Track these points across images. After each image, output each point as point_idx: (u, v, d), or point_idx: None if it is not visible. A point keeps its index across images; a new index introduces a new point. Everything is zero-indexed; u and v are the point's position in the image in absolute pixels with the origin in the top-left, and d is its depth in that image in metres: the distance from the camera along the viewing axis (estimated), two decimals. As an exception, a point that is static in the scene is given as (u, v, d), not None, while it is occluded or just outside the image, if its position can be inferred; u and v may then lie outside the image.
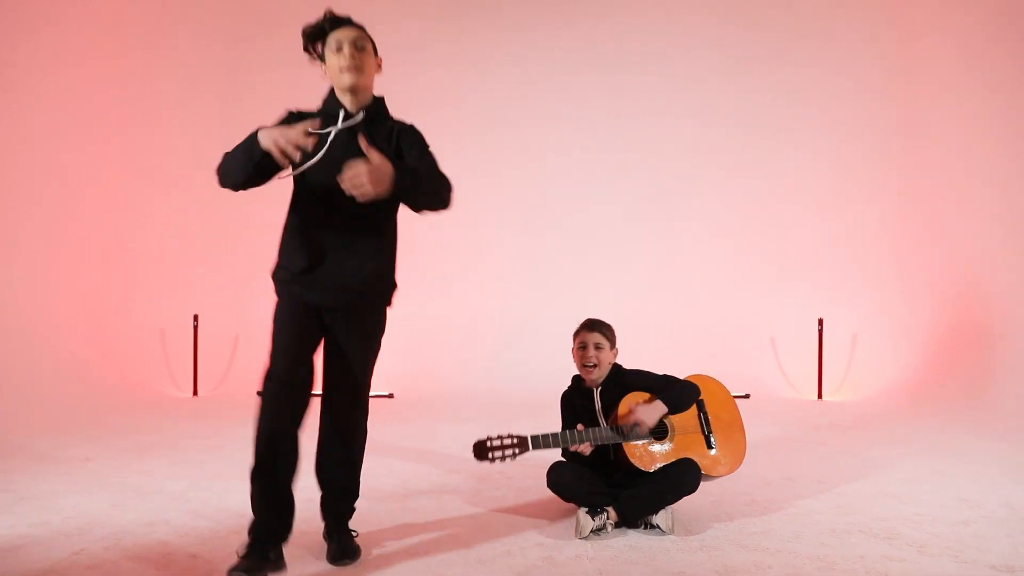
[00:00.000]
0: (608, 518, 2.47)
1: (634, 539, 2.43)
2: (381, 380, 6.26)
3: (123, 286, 6.35)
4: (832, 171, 6.74)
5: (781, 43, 6.78)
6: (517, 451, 2.41)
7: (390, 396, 6.27)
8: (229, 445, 4.05)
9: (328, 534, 2.26)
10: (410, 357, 6.45)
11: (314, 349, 2.13)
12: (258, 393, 2.12)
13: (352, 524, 2.30)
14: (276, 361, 2.06)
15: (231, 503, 2.85)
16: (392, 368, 6.40)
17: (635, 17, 6.96)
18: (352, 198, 1.87)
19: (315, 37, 2.11)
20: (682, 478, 2.50)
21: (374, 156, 1.85)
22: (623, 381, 2.69)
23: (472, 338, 6.75)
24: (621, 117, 6.92)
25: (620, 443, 2.54)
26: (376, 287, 2.17)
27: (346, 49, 2.04)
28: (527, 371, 6.35)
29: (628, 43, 6.95)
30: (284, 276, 2.12)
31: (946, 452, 3.89)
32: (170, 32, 6.62)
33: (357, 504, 2.30)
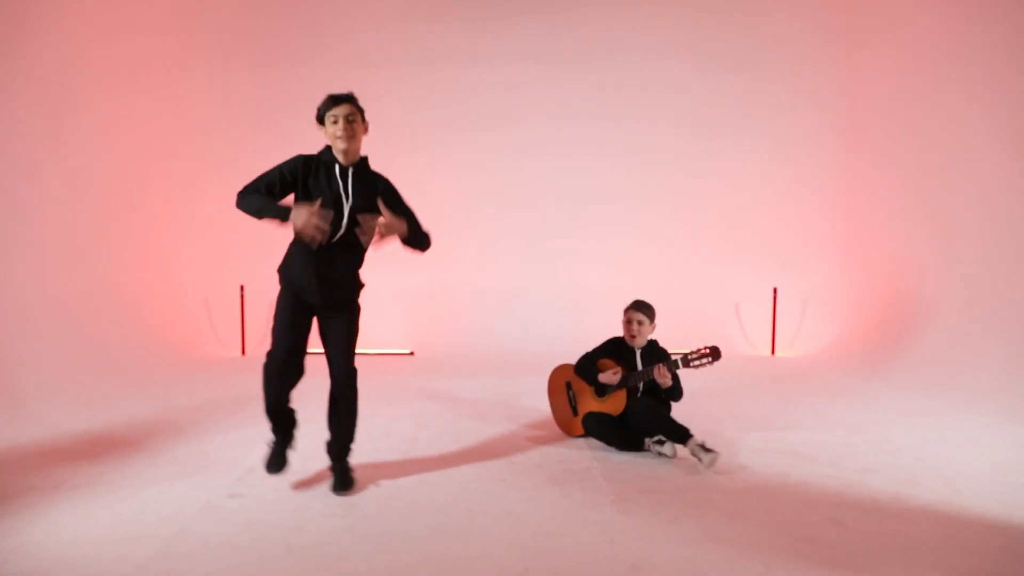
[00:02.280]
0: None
1: (627, 458, 3.57)
2: (402, 339, 7.44)
3: (171, 258, 7.33)
4: (788, 162, 7.83)
5: (748, 49, 7.78)
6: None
7: (411, 354, 7.37)
8: (311, 392, 5.11)
9: (331, 469, 3.12)
10: (427, 320, 7.57)
11: (307, 336, 2.99)
12: (265, 365, 2.97)
13: (425, 450, 3.34)
14: (277, 345, 2.92)
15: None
16: (412, 329, 7.57)
17: (615, 27, 7.89)
18: (344, 231, 2.84)
19: (322, 114, 2.88)
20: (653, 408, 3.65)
21: (395, 220, 2.84)
22: (656, 350, 3.83)
23: (481, 303, 7.82)
24: (606, 114, 7.89)
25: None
26: (354, 289, 3.04)
27: (340, 124, 2.81)
28: (529, 332, 7.50)
29: (609, 49, 7.89)
30: (288, 281, 2.94)
31: (858, 398, 5.10)
32: (206, 17, 7.47)
33: (378, 443, 3.22)
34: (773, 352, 7.52)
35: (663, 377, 3.57)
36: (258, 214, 2.75)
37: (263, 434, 3.93)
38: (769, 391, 5.41)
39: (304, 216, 2.67)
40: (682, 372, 3.66)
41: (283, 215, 2.73)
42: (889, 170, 7.24)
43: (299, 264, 2.89)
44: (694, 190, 7.97)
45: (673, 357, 3.62)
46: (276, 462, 3.08)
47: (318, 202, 2.75)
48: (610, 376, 3.71)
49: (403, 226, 2.89)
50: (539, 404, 4.91)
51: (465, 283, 7.85)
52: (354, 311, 3.05)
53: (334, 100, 2.85)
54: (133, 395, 5.05)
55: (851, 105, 7.62)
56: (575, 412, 3.96)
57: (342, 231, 2.87)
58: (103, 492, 3.00)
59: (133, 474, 3.26)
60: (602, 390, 3.83)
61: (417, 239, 3.04)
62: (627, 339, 3.83)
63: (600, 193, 7.92)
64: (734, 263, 7.85)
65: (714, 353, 3.56)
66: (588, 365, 3.86)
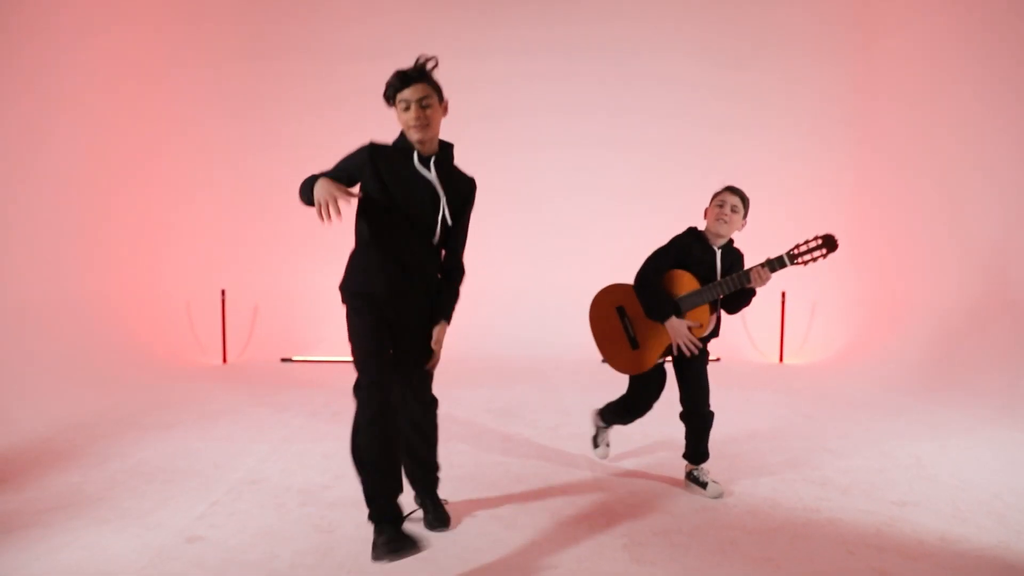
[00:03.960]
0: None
1: (635, 487, 3.21)
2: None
3: (152, 262, 6.94)
4: (799, 159, 7.48)
5: (759, 42, 7.42)
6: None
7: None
8: (294, 407, 4.76)
9: (421, 503, 2.73)
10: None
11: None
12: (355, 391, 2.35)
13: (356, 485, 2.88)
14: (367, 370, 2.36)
15: (318, 458, 3.57)
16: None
17: (621, 18, 7.52)
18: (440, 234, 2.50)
19: (391, 96, 2.38)
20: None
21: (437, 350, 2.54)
22: (734, 256, 3.12)
23: (480, 306, 7.39)
24: (612, 108, 7.54)
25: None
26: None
27: (412, 110, 2.32)
28: (530, 338, 7.16)
29: (616, 42, 7.53)
30: (366, 293, 2.41)
31: (881, 413, 4.75)
32: (188, 6, 7.07)
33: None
34: (781, 359, 7.17)
35: (763, 282, 2.87)
36: (306, 201, 2.31)
37: (233, 459, 3.57)
38: (784, 404, 5.06)
39: (325, 188, 2.18)
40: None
41: (311, 192, 2.26)
42: (904, 168, 6.89)
43: (377, 266, 2.42)
44: (703, 188, 7.51)
45: (777, 255, 2.91)
46: (402, 543, 2.19)
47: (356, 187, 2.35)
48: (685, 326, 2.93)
49: (441, 343, 2.59)
50: (540, 418, 4.57)
51: (464, 286, 7.47)
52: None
53: (403, 79, 2.34)
54: (99, 409, 4.66)
55: (865, 101, 7.26)
56: (635, 344, 3.12)
57: (437, 236, 2.50)
58: (39, 537, 2.61)
59: (79, 510, 2.88)
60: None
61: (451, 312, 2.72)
62: (711, 228, 3.04)
63: (606, 191, 7.56)
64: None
65: (828, 243, 2.83)
66: (655, 285, 2.98)
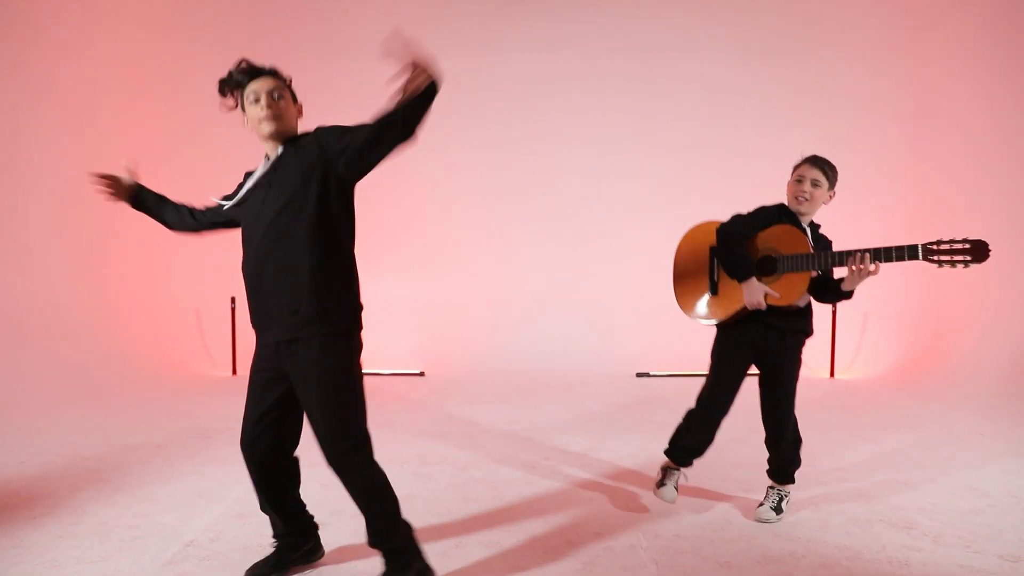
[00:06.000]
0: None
1: (681, 528, 2.72)
2: (412, 357, 6.64)
3: (161, 268, 6.61)
4: (848, 158, 6.89)
5: (796, 37, 6.88)
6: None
7: (421, 374, 6.57)
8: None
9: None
10: (440, 336, 6.77)
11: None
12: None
13: (422, 514, 2.52)
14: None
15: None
16: (423, 346, 6.76)
17: (646, 13, 7.03)
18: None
19: (233, 87, 2.13)
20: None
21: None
22: (823, 244, 2.75)
23: (501, 317, 6.98)
24: (638, 109, 7.01)
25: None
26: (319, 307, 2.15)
27: (263, 100, 2.08)
28: (554, 350, 6.68)
29: (641, 38, 7.02)
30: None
31: (952, 437, 4.18)
32: (196, 6, 6.76)
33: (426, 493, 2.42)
34: (832, 374, 6.59)
35: (864, 271, 2.46)
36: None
37: (219, 487, 3.16)
38: (844, 426, 4.51)
39: None
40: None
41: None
42: (964, 168, 6.30)
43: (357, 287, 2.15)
44: (735, 193, 7.02)
45: (910, 243, 2.45)
46: None
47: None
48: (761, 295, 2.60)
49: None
50: (566, 440, 4.09)
51: (482, 295, 7.02)
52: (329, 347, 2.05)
53: (253, 71, 2.13)
54: (88, 426, 4.30)
55: (916, 97, 6.68)
56: (716, 289, 2.82)
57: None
58: (15, 560, 2.22)
59: (39, 549, 2.48)
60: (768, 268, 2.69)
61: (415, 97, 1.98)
62: (791, 207, 2.72)
63: (632, 196, 7.04)
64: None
65: (978, 250, 2.37)
66: (739, 243, 2.68)
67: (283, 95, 2.12)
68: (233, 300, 6.70)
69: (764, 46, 6.91)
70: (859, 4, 6.81)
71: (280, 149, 2.12)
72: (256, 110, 2.09)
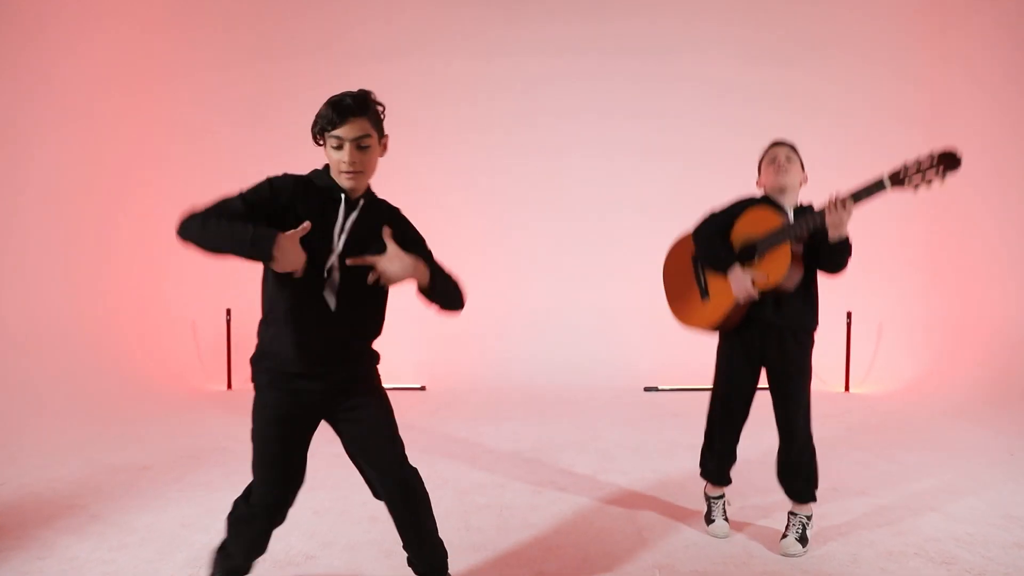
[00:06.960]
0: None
1: (701, 563, 2.51)
2: (412, 372, 6.43)
3: (156, 278, 6.43)
4: (861, 163, 6.69)
5: (808, 40, 6.71)
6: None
7: (422, 389, 6.37)
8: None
9: None
10: (442, 349, 6.55)
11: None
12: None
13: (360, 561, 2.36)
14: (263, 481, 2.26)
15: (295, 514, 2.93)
16: (424, 359, 6.55)
17: (656, 14, 6.86)
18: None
19: (319, 132, 1.88)
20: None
21: (401, 256, 1.89)
22: (809, 211, 2.64)
23: (505, 328, 6.77)
24: (647, 112, 6.83)
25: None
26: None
27: (346, 151, 1.83)
28: (560, 363, 6.47)
29: (650, 39, 6.85)
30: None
31: (982, 458, 3.96)
32: (195, 5, 6.61)
33: (360, 537, 2.21)
34: (847, 388, 6.37)
35: (838, 218, 2.44)
36: (223, 249, 1.74)
37: (205, 515, 2.96)
38: (864, 446, 4.29)
39: (293, 256, 1.77)
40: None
41: (259, 251, 1.73)
42: (979, 172, 6.08)
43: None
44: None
45: (876, 180, 2.38)
46: None
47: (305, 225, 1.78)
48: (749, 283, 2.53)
49: (411, 264, 1.90)
50: (573, 460, 3.89)
51: (486, 305, 6.77)
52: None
53: (342, 113, 1.81)
54: (73, 444, 4.10)
55: (934, 103, 6.48)
56: (706, 292, 2.76)
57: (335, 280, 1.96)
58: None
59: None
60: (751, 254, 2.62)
61: (441, 287, 2.04)
62: (775, 184, 2.67)
63: (640, 202, 6.83)
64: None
65: (947, 159, 2.25)
66: (713, 238, 2.71)
67: (370, 143, 1.86)
68: (229, 312, 6.51)
69: (775, 49, 6.72)
70: (871, 7, 6.64)
71: (361, 203, 1.94)
72: (338, 158, 1.85)
